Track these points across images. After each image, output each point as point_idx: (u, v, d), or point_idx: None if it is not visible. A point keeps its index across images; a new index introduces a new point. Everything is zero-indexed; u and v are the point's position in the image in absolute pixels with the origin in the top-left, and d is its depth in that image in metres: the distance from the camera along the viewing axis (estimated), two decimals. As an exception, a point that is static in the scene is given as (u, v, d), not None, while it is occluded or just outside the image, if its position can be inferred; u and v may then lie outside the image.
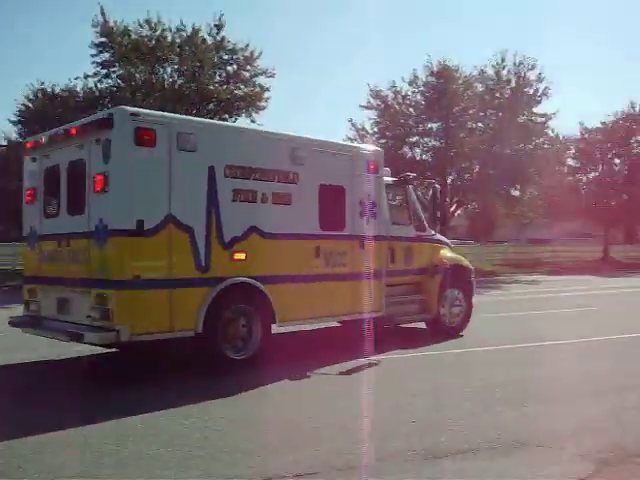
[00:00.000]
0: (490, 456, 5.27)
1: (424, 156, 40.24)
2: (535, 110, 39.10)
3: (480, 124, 39.91)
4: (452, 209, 41.04)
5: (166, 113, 9.95)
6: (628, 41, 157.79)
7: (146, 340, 7.98)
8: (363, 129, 39.22)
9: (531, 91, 38.55)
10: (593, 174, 49.15)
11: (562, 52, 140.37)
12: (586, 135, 47.93)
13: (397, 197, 12.30)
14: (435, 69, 37.98)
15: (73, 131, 8.68)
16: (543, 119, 39.16)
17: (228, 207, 8.69)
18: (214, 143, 8.71)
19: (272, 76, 32.20)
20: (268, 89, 32.33)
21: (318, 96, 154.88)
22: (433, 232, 12.73)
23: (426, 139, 40.07)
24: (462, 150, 37.66)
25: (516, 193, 41.02)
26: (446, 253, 12.80)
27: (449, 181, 39.38)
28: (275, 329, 9.25)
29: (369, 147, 12.48)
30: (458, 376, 8.65)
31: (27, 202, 9.80)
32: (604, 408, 6.87)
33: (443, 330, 11.98)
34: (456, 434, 5.84)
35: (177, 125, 8.45)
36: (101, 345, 8.40)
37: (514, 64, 38.36)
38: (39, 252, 9.39)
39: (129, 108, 8.37)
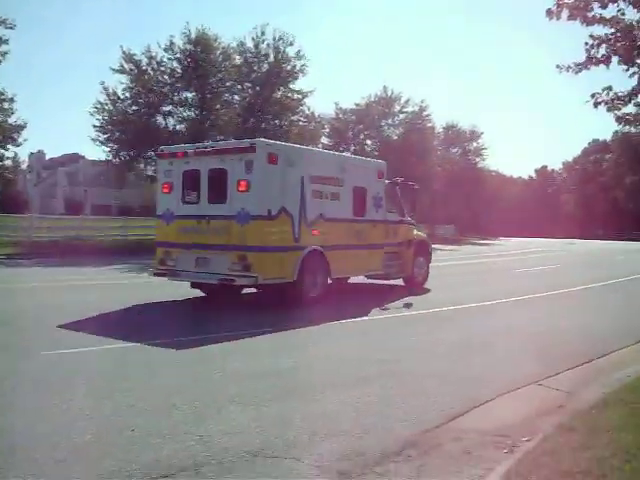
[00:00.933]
0: (217, 473, 4.58)
1: (178, 126, 38.94)
2: (292, 87, 39.44)
3: (237, 97, 39.44)
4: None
5: (280, 142, 16.22)
6: (375, 26, 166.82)
7: (269, 283, 12.64)
8: (114, 94, 36.58)
9: (289, 67, 38.71)
10: (346, 153, 50.86)
11: (321, 34, 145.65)
12: (341, 115, 49.31)
13: (389, 193, 16.91)
14: (193, 36, 36.80)
15: (221, 150, 13.47)
16: (300, 96, 39.63)
17: (310, 202, 13.63)
18: (303, 161, 13.77)
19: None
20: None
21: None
22: (409, 218, 17.84)
23: (181, 109, 38.83)
24: (217, 122, 36.95)
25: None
26: (415, 232, 18.16)
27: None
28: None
29: (379, 162, 17.44)
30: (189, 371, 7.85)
31: (164, 192, 13.93)
32: (347, 401, 6.46)
33: (415, 284, 17.19)
34: (180, 444, 5.09)
35: (286, 150, 13.85)
36: (245, 286, 13.14)
37: (274, 39, 38.34)
38: (176, 227, 13.57)
39: (264, 140, 13.87)
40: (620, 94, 7.99)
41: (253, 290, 13.70)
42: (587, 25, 7.96)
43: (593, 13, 7.92)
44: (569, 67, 8.22)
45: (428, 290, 16.87)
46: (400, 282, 17.24)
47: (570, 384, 7.37)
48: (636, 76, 7.76)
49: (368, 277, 16.97)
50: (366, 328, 11.15)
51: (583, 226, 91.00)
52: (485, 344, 9.76)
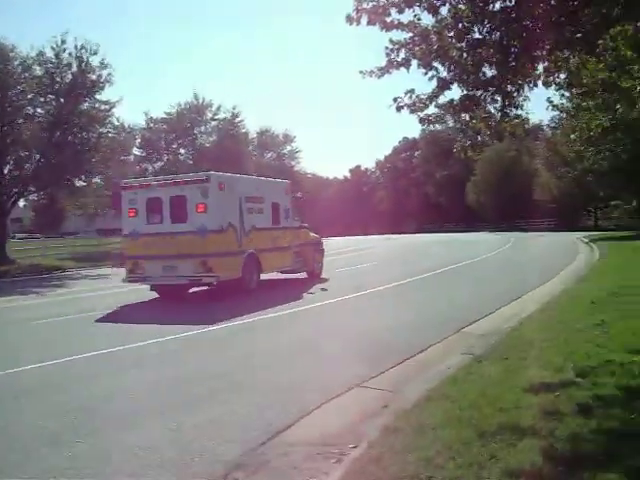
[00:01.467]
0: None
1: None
2: (98, 97, 37.86)
3: (40, 110, 37.23)
4: (12, 201, 37.45)
5: (225, 173, 19.11)
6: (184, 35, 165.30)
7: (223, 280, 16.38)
8: None
9: (94, 77, 37.08)
10: (159, 163, 49.75)
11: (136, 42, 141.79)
12: (152, 125, 48.11)
13: (292, 205, 21.53)
14: (-11, 47, 34.08)
15: (181, 182, 17.04)
16: (107, 107, 38.15)
17: (246, 216, 17.65)
18: (239, 185, 18.12)
19: None
20: None
21: None
22: (305, 224, 22.67)
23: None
24: (20, 137, 34.68)
25: (81, 183, 39.24)
26: (311, 234, 22.13)
27: (6, 171, 35.84)
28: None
29: (286, 181, 22.69)
30: None
31: (130, 216, 17.22)
32: (171, 426, 6.17)
33: (315, 275, 21.42)
34: None
35: (229, 179, 17.96)
36: (205, 284, 17.27)
37: (75, 47, 36.42)
38: (142, 242, 16.83)
39: (216, 173, 17.58)
40: (422, 97, 8.24)
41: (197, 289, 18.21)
42: (386, 30, 8.14)
43: (391, 18, 8.10)
44: (372, 72, 8.36)
45: (326, 279, 20.72)
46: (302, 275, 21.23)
47: (394, 383, 7.47)
48: (435, 79, 8.04)
49: (281, 272, 20.63)
50: (191, 345, 10.77)
51: (398, 221, 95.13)
52: (307, 349, 9.78)
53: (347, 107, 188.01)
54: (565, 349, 7.87)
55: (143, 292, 17.35)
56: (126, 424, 6.31)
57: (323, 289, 17.73)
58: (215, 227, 16.22)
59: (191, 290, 18.12)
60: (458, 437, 4.96)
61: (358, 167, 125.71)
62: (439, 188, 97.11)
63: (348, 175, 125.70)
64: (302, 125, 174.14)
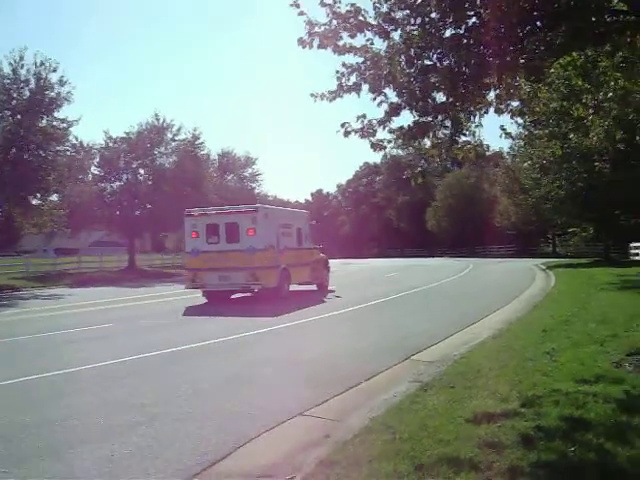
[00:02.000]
0: None
1: None
2: (56, 115, 37.40)
3: (-5, 127, 36.59)
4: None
5: (268, 206, 26.19)
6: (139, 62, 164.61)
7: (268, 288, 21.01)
8: None
9: (52, 94, 36.64)
10: (118, 183, 49.08)
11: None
12: (111, 144, 47.53)
13: (310, 230, 25.93)
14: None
15: (234, 211, 21.85)
16: (65, 125, 37.68)
17: (280, 239, 22.18)
18: (276, 215, 23.08)
19: None
20: None
21: None
22: (316, 245, 26.40)
23: None
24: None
25: (36, 202, 38.58)
26: (320, 253, 26.39)
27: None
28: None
29: (307, 211, 28.77)
30: None
31: (193, 237, 21.79)
32: (100, 458, 5.87)
33: (324, 287, 25.79)
34: None
35: (271, 209, 23.79)
36: (253, 291, 21.63)
37: (35, 64, 36.04)
38: (202, 258, 21.29)
39: (262, 205, 23.52)
40: (372, 122, 8.19)
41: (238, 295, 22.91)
42: (338, 54, 8.10)
43: (343, 42, 8.08)
44: (323, 95, 8.30)
45: (333, 291, 24.61)
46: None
47: (339, 411, 7.32)
48: (384, 104, 8.00)
49: (299, 284, 24.60)
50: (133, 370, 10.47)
51: (360, 245, 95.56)
52: (252, 375, 9.49)
53: (309, 131, 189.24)
54: (513, 378, 7.81)
55: (97, 313, 16.91)
56: (55, 452, 6.06)
57: (337, 296, 22.73)
58: (261, 247, 20.80)
59: (233, 296, 22.72)
60: (394, 470, 4.84)
61: (320, 191, 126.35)
62: (400, 213, 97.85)
63: (310, 199, 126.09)
64: (264, 148, 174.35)
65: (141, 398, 8.12)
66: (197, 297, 22.07)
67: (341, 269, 44.86)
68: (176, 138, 49.34)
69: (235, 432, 6.50)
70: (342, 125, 8.04)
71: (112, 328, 15.58)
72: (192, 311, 19.53)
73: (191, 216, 22.00)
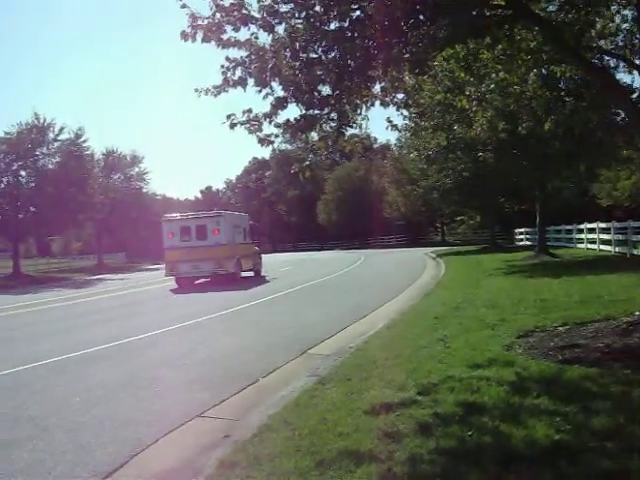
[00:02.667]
0: None
1: None
2: None
3: None
4: None
5: (227, 211, 34.43)
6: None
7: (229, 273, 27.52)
8: None
9: None
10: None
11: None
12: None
13: (249, 228, 32.86)
14: None
15: (202, 216, 29.16)
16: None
17: (234, 236, 29.02)
18: (232, 218, 30.72)
19: None
20: None
21: None
22: (252, 240, 33.07)
23: None
24: None
25: None
26: (255, 247, 32.72)
27: None
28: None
29: (248, 215, 36.84)
30: None
31: (169, 237, 27.59)
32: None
33: (259, 275, 31.37)
34: None
35: (228, 214, 31.19)
36: (221, 275, 27.27)
37: None
38: (178, 253, 26.90)
39: (224, 211, 31.79)
40: (259, 115, 8.09)
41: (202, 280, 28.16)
42: (223, 48, 7.96)
43: (228, 36, 7.95)
44: (208, 90, 8.15)
45: (266, 279, 29.01)
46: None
47: (237, 410, 7.21)
48: (270, 97, 7.93)
49: (243, 271, 29.62)
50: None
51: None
52: (146, 379, 9.17)
53: (197, 128, 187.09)
54: (408, 366, 7.90)
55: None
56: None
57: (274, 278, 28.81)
58: (224, 242, 27.10)
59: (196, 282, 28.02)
60: (296, 467, 4.80)
61: (209, 188, 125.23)
62: (291, 207, 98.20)
63: (199, 196, 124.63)
64: (150, 146, 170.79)
65: (30, 410, 7.73)
66: (88, 301, 21.28)
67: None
68: (59, 138, 47.53)
69: (131, 439, 6.29)
70: (228, 117, 7.92)
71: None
72: (85, 318, 18.62)
73: (168, 221, 28.34)
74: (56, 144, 47.64)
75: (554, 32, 9.04)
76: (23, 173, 47.10)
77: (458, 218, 63.76)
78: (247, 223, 32.80)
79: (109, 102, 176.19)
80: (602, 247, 29.75)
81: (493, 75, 11.30)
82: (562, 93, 20.07)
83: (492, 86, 12.00)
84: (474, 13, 7.96)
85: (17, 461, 5.90)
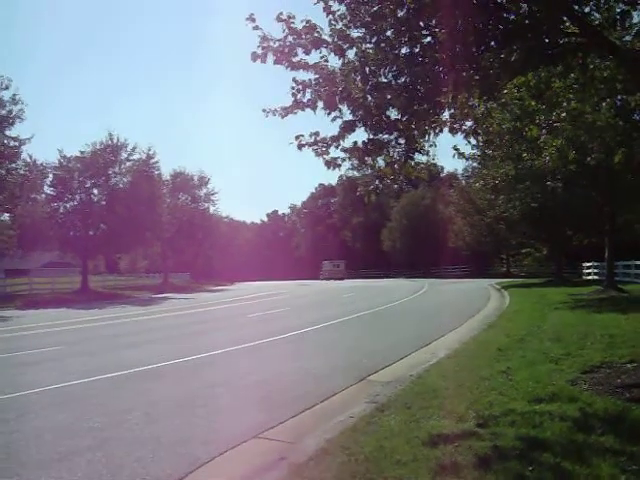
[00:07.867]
0: None
1: None
2: (8, 133, 36.71)
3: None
4: None
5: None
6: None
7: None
8: None
9: (4, 112, 35.97)
10: (71, 203, 48.19)
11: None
12: (65, 163, 46.71)
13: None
14: None
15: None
16: (16, 143, 36.99)
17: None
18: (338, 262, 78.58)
19: None
20: None
21: None
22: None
23: None
24: None
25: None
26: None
27: None
28: None
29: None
30: None
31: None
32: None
33: None
34: None
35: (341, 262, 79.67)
36: None
37: (-14, 82, 35.43)
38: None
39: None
40: (327, 139, 8.13)
41: None
42: (293, 70, 8.05)
43: (298, 58, 8.03)
44: (275, 111, 8.23)
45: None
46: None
47: (294, 433, 7.15)
48: (339, 120, 7.96)
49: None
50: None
51: (315, 266, 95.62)
52: (205, 398, 9.25)
53: (264, 151, 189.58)
54: (469, 397, 7.74)
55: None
56: None
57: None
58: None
59: None
60: (350, 494, 4.70)
61: (275, 212, 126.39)
62: (355, 234, 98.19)
63: (265, 219, 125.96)
64: (217, 168, 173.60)
65: (90, 422, 7.84)
66: (152, 318, 21.22)
67: (298, 290, 44.81)
68: (130, 158, 48.74)
69: (188, 456, 6.33)
70: (296, 137, 7.97)
71: (61, 351, 15.10)
72: (148, 335, 18.97)
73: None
74: (128, 164, 48.78)
75: (630, 61, 8.82)
76: (95, 191, 48.27)
77: (524, 250, 62.58)
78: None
79: (175, 123, 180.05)
80: (674, 284, 28.75)
81: (564, 104, 11.09)
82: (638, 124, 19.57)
83: (563, 115, 11.73)
84: (546, 40, 7.83)
85: (76, 471, 5.98)
